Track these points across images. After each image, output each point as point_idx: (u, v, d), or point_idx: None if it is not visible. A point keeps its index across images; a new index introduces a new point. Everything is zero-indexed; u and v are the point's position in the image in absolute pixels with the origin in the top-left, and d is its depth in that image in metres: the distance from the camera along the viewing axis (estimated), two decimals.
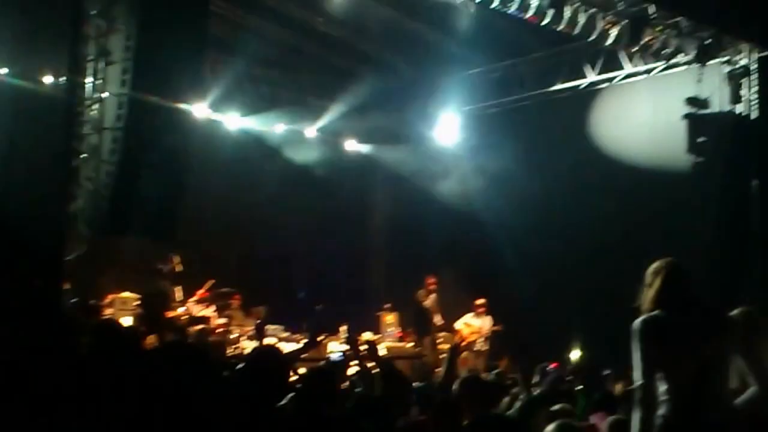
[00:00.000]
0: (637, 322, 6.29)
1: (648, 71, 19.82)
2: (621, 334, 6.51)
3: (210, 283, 19.09)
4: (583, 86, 21.28)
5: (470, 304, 21.09)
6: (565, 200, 20.53)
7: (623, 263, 17.14)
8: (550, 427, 6.22)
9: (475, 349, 20.54)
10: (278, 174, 23.18)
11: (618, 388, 10.32)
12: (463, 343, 20.49)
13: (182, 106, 14.14)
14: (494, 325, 20.80)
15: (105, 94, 14.14)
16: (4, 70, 13.34)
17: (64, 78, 13.47)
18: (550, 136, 21.63)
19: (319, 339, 8.59)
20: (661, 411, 6.12)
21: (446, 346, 20.80)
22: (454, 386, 8.05)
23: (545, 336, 18.70)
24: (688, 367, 6.08)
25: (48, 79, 13.72)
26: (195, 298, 18.95)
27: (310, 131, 24.48)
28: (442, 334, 21.45)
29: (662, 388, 6.15)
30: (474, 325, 20.72)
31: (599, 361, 15.70)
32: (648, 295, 6.40)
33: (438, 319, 21.25)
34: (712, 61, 18.14)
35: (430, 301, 20.72)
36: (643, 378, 6.16)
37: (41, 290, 12.36)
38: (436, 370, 18.59)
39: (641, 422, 6.10)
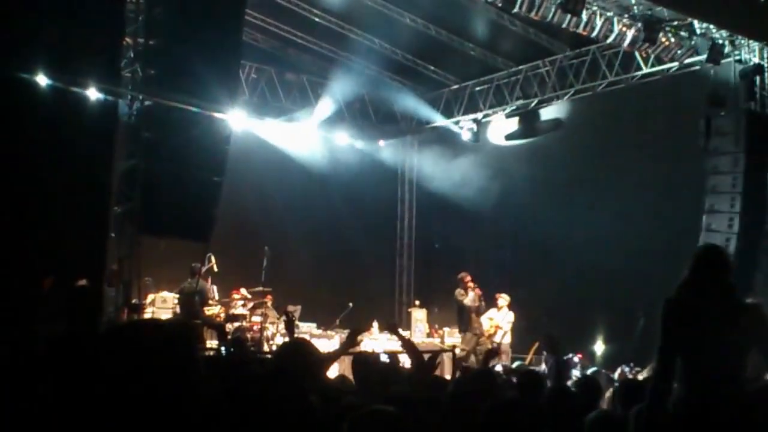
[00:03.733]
0: (663, 304, 6.14)
1: (664, 71, 19.65)
2: (646, 328, 6.38)
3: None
4: (601, 87, 21.15)
5: (494, 300, 20.91)
6: (587, 198, 20.42)
7: (646, 258, 17.10)
8: (592, 414, 6.11)
9: (495, 341, 20.35)
10: (310, 176, 23.23)
11: (643, 375, 10.16)
12: (486, 338, 20.39)
13: (219, 111, 14.16)
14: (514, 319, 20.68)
15: (144, 101, 14.15)
16: (45, 80, 13.37)
17: (105, 85, 13.53)
18: (572, 136, 21.59)
19: (358, 338, 8.50)
20: (679, 394, 5.98)
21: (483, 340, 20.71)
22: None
23: (571, 329, 18.59)
24: (708, 351, 5.91)
25: (90, 86, 13.77)
26: (232, 296, 18.98)
27: (342, 135, 24.52)
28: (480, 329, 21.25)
29: (681, 371, 5.99)
30: (496, 319, 20.55)
31: (625, 354, 15.68)
32: (682, 277, 6.27)
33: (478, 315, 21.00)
34: (725, 60, 17.98)
35: (469, 298, 20.50)
36: (660, 358, 6.04)
37: (86, 290, 12.36)
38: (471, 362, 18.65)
39: (652, 399, 5.99)
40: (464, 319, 20.61)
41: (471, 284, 20.43)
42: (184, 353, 2.45)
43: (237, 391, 5.12)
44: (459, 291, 20.49)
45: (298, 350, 6.10)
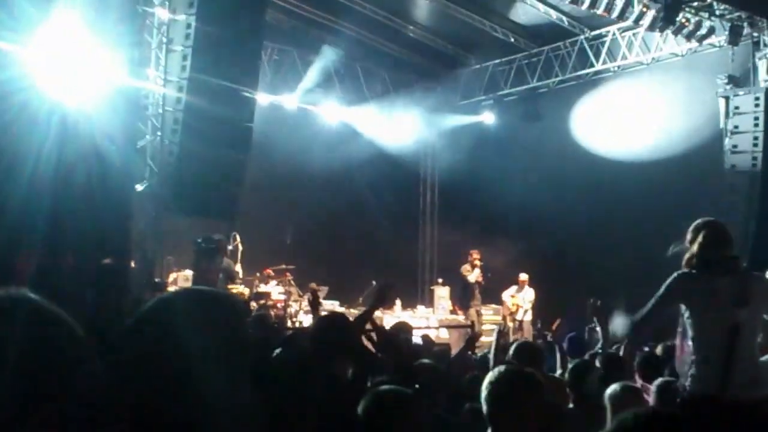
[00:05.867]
0: (674, 274, 6.07)
1: (683, 52, 19.59)
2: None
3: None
4: (620, 68, 21.07)
5: (515, 277, 20.85)
6: (606, 172, 20.35)
7: (664, 232, 16.96)
8: (615, 386, 5.99)
9: (517, 319, 20.35)
10: (331, 156, 23.16)
11: (659, 350, 9.97)
12: (509, 315, 20.45)
13: (241, 90, 14.10)
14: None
15: (168, 79, 14.11)
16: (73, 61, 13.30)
17: (129, 65, 13.45)
18: (587, 115, 21.51)
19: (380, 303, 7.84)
20: (692, 371, 5.88)
21: (491, 319, 20.76)
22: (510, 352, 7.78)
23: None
24: (721, 327, 5.78)
25: (114, 67, 13.70)
26: (257, 275, 18.98)
27: (363, 115, 24.43)
28: (486, 306, 21.31)
29: (694, 348, 5.91)
30: (517, 297, 20.57)
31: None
32: (688, 253, 6.14)
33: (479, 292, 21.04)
34: (744, 41, 17.86)
35: (474, 274, 20.56)
36: (653, 305, 6.10)
37: (110, 268, 12.32)
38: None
39: (632, 331, 6.30)
40: (467, 296, 20.71)
41: (478, 261, 20.53)
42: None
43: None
44: (465, 267, 20.68)
45: (334, 325, 6.03)
